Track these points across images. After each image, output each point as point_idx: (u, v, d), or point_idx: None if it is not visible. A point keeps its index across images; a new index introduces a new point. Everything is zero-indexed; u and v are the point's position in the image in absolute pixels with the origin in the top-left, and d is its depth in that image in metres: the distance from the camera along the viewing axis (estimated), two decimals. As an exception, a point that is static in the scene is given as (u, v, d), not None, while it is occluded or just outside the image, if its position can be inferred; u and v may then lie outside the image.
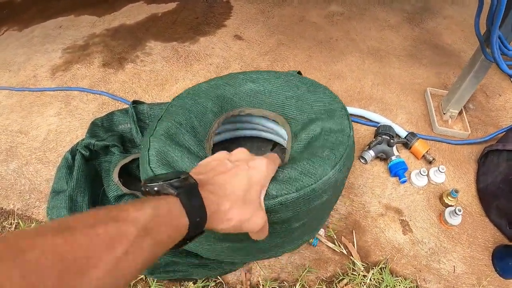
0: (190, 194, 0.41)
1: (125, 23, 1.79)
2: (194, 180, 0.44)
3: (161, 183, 0.41)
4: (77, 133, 1.26)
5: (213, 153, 0.59)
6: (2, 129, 1.30)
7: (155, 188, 0.41)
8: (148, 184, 0.41)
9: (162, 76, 1.47)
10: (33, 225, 1.03)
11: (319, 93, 0.86)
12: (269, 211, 0.57)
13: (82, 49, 1.65)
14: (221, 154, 0.53)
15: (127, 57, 1.58)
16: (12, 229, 1.03)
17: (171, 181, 0.41)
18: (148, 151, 0.69)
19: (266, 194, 0.56)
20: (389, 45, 1.63)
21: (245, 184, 0.48)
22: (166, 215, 0.38)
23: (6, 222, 1.05)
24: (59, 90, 1.46)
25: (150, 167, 0.66)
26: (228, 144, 1.10)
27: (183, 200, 0.40)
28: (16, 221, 1.05)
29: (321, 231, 0.99)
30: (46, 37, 1.73)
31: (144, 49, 1.61)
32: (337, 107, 0.82)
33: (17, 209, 1.07)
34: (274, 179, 0.60)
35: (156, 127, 0.74)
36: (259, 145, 1.12)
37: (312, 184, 0.62)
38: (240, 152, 0.54)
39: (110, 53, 1.61)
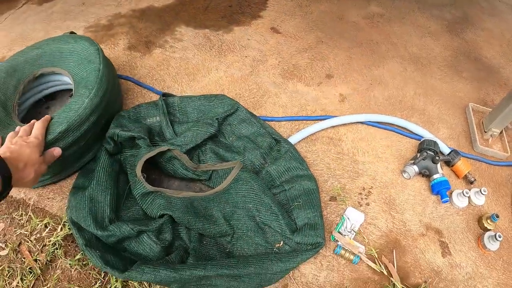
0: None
1: (153, 4, 1.69)
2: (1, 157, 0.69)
3: None
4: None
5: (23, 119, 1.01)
6: None
7: None
8: None
9: (193, 64, 1.39)
10: (46, 220, 0.95)
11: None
12: None
13: (106, 29, 1.55)
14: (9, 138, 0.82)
15: (155, 41, 1.49)
16: (24, 221, 0.95)
17: None
18: None
19: None
20: (430, 53, 1.57)
21: (29, 152, 0.77)
22: None
23: (16, 213, 0.96)
24: None
25: None
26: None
27: None
28: (28, 214, 0.96)
29: (362, 248, 0.94)
30: (67, 13, 1.63)
31: (173, 34, 1.53)
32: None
33: (29, 199, 0.99)
34: None
35: None
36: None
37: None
38: (13, 136, 0.83)
39: (137, 35, 1.52)
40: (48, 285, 0.86)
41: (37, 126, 0.84)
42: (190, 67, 1.38)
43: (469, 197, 1.07)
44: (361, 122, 1.22)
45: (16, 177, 0.70)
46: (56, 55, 1.07)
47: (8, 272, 0.87)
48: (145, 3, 1.69)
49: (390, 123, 1.22)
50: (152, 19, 1.61)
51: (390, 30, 1.68)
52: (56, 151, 0.85)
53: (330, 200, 1.03)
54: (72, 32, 1.17)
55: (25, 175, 0.74)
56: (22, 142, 0.78)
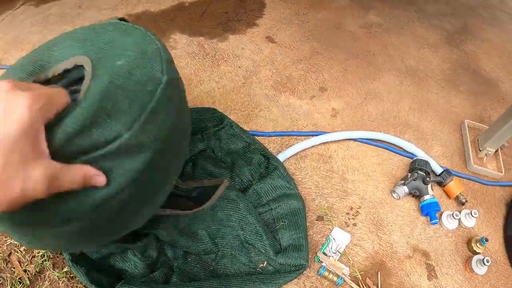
0: None
1: (149, 9, 1.68)
2: None
3: None
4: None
5: None
6: None
7: None
8: None
9: (186, 74, 1.38)
10: None
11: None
12: None
13: (102, 32, 1.54)
14: None
15: (150, 47, 1.48)
16: None
17: None
18: None
19: None
20: (428, 66, 1.55)
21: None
22: None
23: None
24: None
25: None
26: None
27: None
28: None
29: (346, 270, 0.93)
30: (63, 16, 1.62)
31: (168, 41, 1.51)
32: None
33: None
34: None
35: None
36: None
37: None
38: None
39: (132, 41, 1.50)
40: None
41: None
42: (182, 77, 1.36)
43: (459, 219, 1.05)
44: (353, 139, 1.21)
45: None
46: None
47: (-1, 281, 0.89)
48: (141, 8, 1.68)
49: (383, 140, 1.21)
50: (147, 24, 1.59)
51: (387, 40, 1.66)
52: (102, 178, 0.46)
53: (317, 220, 1.02)
54: (122, 19, 0.91)
55: None
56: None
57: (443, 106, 1.40)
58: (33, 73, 0.61)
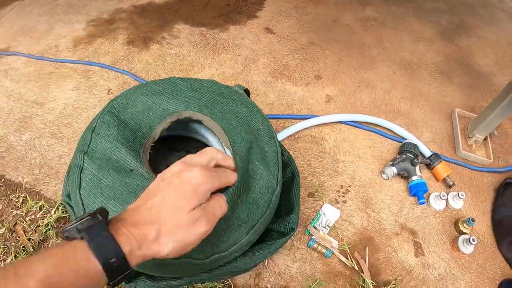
0: (95, 234, 0.37)
1: (154, 1, 1.74)
2: (102, 218, 0.39)
3: (71, 226, 0.38)
4: (95, 110, 1.23)
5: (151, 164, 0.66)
6: (18, 97, 1.27)
7: (65, 234, 0.38)
8: (62, 230, 0.39)
9: (188, 61, 1.44)
10: (40, 202, 1.00)
11: (257, 123, 0.81)
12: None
13: (107, 23, 1.61)
14: (160, 174, 0.48)
15: (153, 37, 1.54)
16: (20, 203, 1.01)
17: (76, 223, 0.38)
18: (80, 172, 0.65)
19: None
20: (421, 58, 1.60)
21: (173, 202, 0.43)
22: (71, 262, 0.34)
23: (13, 196, 1.02)
24: (80, 64, 1.42)
25: (80, 194, 0.63)
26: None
27: (89, 243, 0.36)
28: (23, 194, 1.02)
29: (335, 243, 0.97)
30: (70, 7, 1.69)
31: (171, 31, 1.57)
32: (271, 151, 0.77)
33: (26, 182, 1.05)
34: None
35: (90, 142, 0.69)
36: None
37: (221, 253, 0.63)
38: (176, 165, 0.48)
39: (136, 31, 1.57)
40: None
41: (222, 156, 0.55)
42: (184, 64, 1.43)
43: (446, 199, 1.09)
44: (344, 122, 1.25)
45: (136, 254, 0.39)
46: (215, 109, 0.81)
47: (3, 250, 0.93)
48: (146, -1, 1.74)
49: (374, 124, 1.25)
50: (152, 15, 1.66)
51: (383, 34, 1.71)
52: (224, 205, 0.51)
53: (308, 196, 1.07)
54: (246, 91, 0.92)
55: (157, 249, 0.41)
56: (174, 179, 0.45)
57: (434, 96, 1.44)
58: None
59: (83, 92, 1.30)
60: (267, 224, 0.76)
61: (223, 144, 0.78)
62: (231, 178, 0.55)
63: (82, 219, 0.38)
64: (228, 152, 0.76)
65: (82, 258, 0.35)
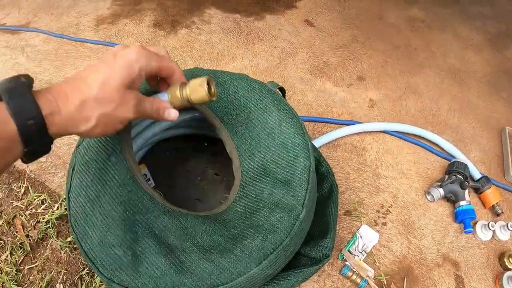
0: (16, 94, 0.35)
1: (184, -19, 1.62)
2: (26, 79, 0.38)
3: None
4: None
5: None
6: (32, 77, 1.17)
7: None
8: None
9: (218, 50, 1.33)
10: (43, 196, 0.92)
11: (287, 134, 0.68)
12: None
13: (133, 3, 1.51)
14: None
15: (182, 21, 1.43)
16: (21, 193, 0.93)
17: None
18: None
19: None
20: (470, 67, 1.47)
21: (103, 74, 0.41)
22: None
23: (15, 185, 0.94)
24: (101, 44, 1.34)
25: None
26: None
27: (8, 103, 0.34)
28: (26, 184, 0.94)
29: (371, 272, 0.87)
30: (94, -17, 1.59)
31: (202, 15, 1.46)
32: (301, 166, 0.65)
33: (30, 171, 0.96)
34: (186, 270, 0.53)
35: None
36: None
37: (221, 285, 0.53)
38: (115, 47, 0.46)
39: (164, 13, 1.46)
40: (36, 263, 0.84)
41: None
42: (214, 52, 1.32)
43: (494, 230, 0.99)
44: (389, 132, 1.14)
45: (57, 120, 0.38)
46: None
47: (-1, 244, 0.85)
48: (176, -21, 1.62)
49: (420, 137, 1.14)
50: (181, -4, 1.55)
51: (430, 37, 1.58)
52: (173, 113, 0.50)
53: (344, 214, 0.97)
54: (281, 89, 0.83)
55: (79, 118, 0.39)
56: (109, 56, 0.43)
57: (483, 110, 1.32)
58: None
59: (103, 75, 1.19)
60: (293, 253, 0.65)
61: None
62: (172, 64, 0.49)
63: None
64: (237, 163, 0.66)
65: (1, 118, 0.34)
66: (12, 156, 0.36)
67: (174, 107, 0.50)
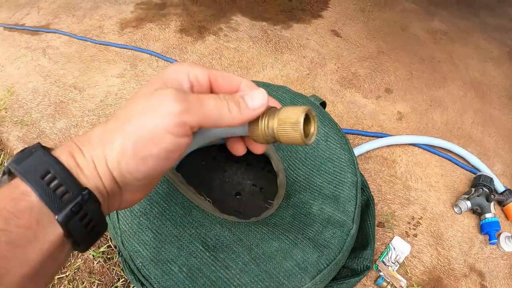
0: (24, 156, 0.26)
1: (209, -12, 1.64)
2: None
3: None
4: (139, 102, 1.14)
5: None
6: (55, 79, 1.19)
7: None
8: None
9: (248, 58, 1.34)
10: None
11: (333, 149, 0.70)
12: None
13: (158, 8, 1.51)
14: None
15: (209, 27, 1.45)
16: None
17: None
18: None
19: None
20: (491, 80, 1.50)
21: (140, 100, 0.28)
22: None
23: None
24: (127, 49, 1.32)
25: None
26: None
27: (16, 168, 0.25)
28: None
29: (403, 282, 0.90)
30: (116, -16, 1.59)
31: (229, 22, 1.48)
32: (348, 182, 0.68)
33: None
34: None
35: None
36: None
37: None
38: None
39: (190, 19, 1.47)
40: (67, 273, 0.82)
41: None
42: (244, 60, 1.34)
43: (517, 242, 1.02)
44: (417, 145, 1.17)
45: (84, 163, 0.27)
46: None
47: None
48: (202, -15, 1.64)
49: (446, 150, 1.17)
50: (208, 3, 1.56)
51: (452, 49, 1.61)
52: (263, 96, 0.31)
53: (377, 226, 1.00)
54: (322, 104, 0.83)
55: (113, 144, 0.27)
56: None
57: (505, 123, 1.35)
58: None
59: (128, 80, 1.21)
60: (341, 266, 0.68)
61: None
62: (230, 74, 0.33)
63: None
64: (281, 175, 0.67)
65: (9, 189, 0.24)
66: (41, 230, 0.25)
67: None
